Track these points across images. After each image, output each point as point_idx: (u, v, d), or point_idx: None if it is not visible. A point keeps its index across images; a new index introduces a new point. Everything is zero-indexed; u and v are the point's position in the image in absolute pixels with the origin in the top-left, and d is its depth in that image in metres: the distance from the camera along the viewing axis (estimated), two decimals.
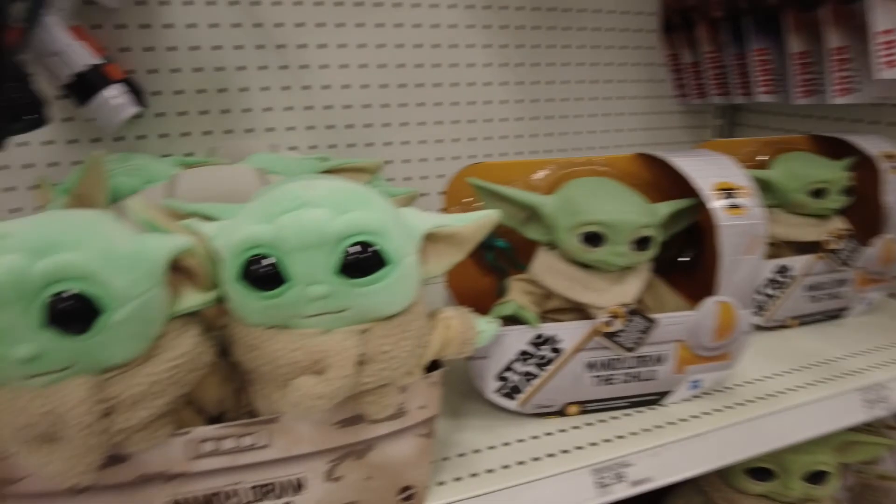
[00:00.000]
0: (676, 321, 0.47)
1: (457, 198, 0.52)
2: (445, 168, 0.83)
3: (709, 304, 0.47)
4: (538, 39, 0.83)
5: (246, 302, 0.34)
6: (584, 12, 0.84)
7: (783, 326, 0.65)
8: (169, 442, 0.34)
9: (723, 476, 0.64)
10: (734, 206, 0.46)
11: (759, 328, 0.64)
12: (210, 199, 0.45)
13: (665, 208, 0.49)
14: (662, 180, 0.53)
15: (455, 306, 0.41)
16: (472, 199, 0.52)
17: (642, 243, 0.46)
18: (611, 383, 0.49)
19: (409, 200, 0.56)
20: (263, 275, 0.33)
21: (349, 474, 0.38)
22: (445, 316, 0.40)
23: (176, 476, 0.35)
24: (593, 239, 0.46)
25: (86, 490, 0.33)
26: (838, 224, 0.64)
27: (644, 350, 0.48)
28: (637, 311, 0.46)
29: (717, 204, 0.46)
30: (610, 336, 0.46)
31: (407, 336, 0.36)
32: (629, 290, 0.47)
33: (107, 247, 0.30)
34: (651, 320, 0.47)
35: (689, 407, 0.51)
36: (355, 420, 0.37)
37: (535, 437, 0.47)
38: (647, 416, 0.50)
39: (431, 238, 0.38)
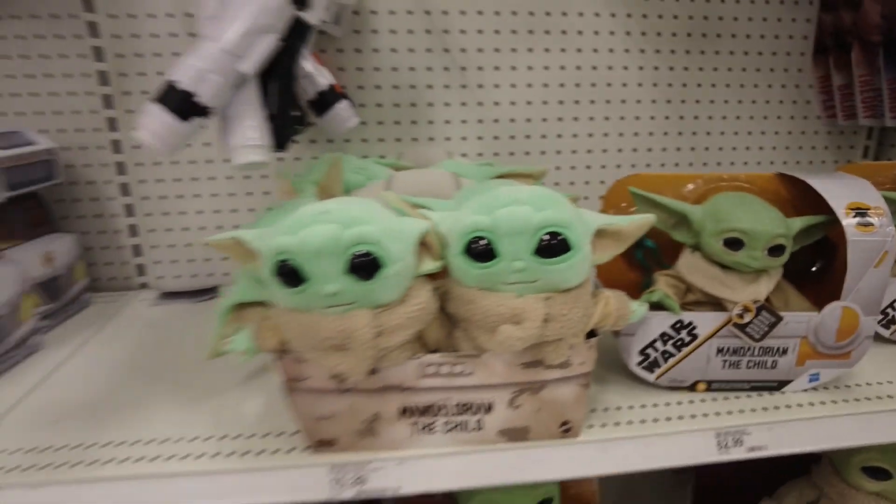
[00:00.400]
0: (801, 319, 0.55)
1: (614, 202, 0.63)
2: (596, 176, 0.93)
3: (833, 308, 0.55)
4: (688, 62, 0.91)
5: (466, 270, 0.48)
6: (736, 38, 0.91)
7: None
8: (406, 363, 0.48)
9: (838, 472, 0.70)
10: (865, 224, 0.53)
11: (886, 340, 0.69)
12: (417, 194, 0.59)
13: (799, 222, 0.57)
14: (798, 198, 0.61)
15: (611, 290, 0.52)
16: (626, 204, 0.62)
17: (776, 250, 0.55)
18: (737, 367, 0.58)
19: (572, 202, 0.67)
20: (482, 251, 0.46)
21: (525, 405, 0.51)
22: (606, 295, 0.51)
23: (407, 388, 0.49)
24: (734, 244, 0.55)
25: (347, 391, 0.49)
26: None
27: (769, 342, 0.56)
28: (766, 307, 0.55)
29: (848, 221, 0.54)
30: (740, 327, 0.55)
31: (578, 305, 0.48)
32: (761, 289, 0.56)
33: (387, 224, 0.45)
34: (778, 316, 0.55)
35: (806, 395, 0.58)
36: (535, 364, 0.49)
37: (667, 404, 0.57)
38: (767, 398, 0.58)
39: (600, 233, 0.49)
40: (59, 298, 0.79)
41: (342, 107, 0.74)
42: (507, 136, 0.90)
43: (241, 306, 0.59)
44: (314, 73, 0.72)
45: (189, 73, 0.48)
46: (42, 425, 0.55)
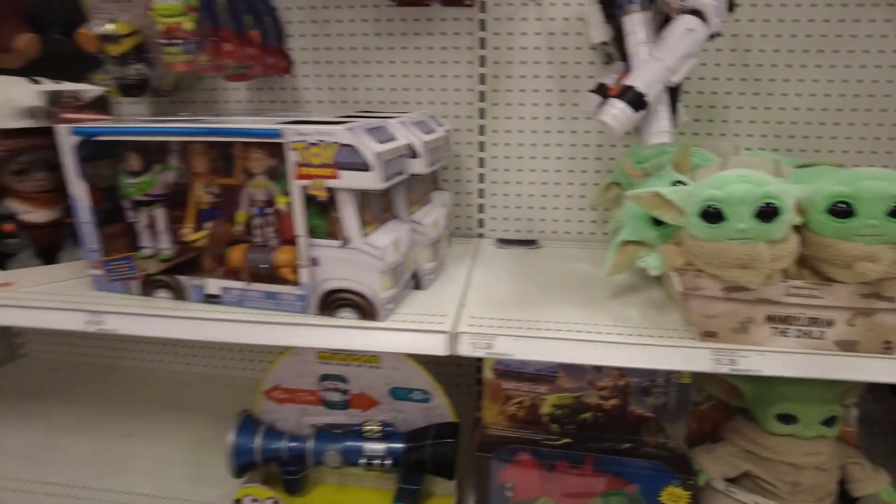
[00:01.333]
0: None
1: None
2: None
3: None
4: None
5: (826, 224, 0.69)
6: None
7: None
8: (777, 283, 0.71)
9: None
10: None
11: None
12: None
13: None
14: None
15: None
16: None
17: None
18: None
19: None
20: (842, 211, 0.67)
21: (859, 325, 0.71)
22: None
23: (775, 302, 0.72)
24: None
25: (731, 299, 0.72)
26: None
27: None
28: None
29: None
30: None
31: None
32: None
33: (781, 186, 0.68)
34: None
35: None
36: (871, 295, 0.69)
37: None
38: None
39: None
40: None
41: (680, 106, 0.97)
42: (787, 135, 1.09)
43: (627, 242, 0.85)
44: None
45: (644, 81, 0.75)
46: (495, 307, 0.84)
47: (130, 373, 1.48)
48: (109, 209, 0.92)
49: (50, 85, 0.92)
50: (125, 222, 0.93)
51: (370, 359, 0.96)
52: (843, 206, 0.68)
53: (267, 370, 1.00)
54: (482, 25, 1.10)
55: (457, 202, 1.21)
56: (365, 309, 0.79)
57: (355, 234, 0.77)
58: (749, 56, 1.06)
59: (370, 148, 0.72)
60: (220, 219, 0.90)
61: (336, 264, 0.78)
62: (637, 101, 0.75)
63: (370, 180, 0.73)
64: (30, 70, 1.02)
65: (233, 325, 0.81)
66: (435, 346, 0.76)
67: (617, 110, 0.76)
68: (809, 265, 0.73)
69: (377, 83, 1.16)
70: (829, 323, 0.72)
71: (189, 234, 0.91)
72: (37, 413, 1.30)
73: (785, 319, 0.73)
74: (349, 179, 0.74)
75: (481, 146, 1.16)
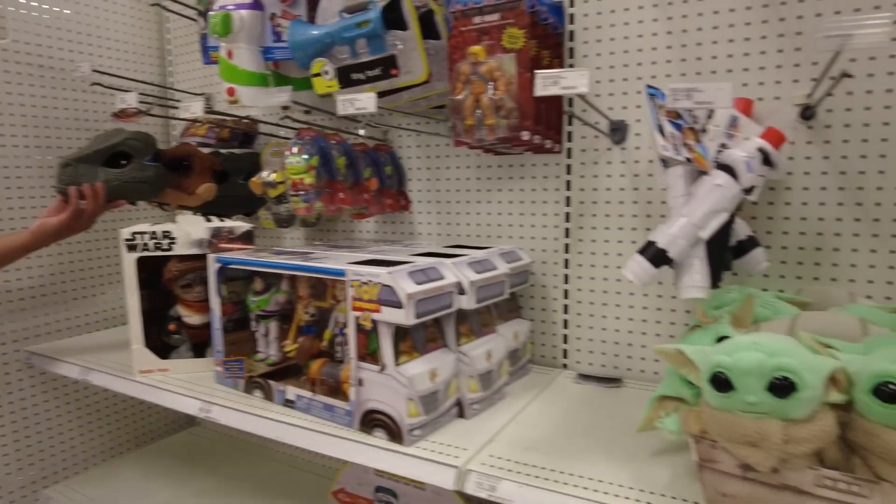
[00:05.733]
0: None
1: None
2: None
3: None
4: None
5: (873, 408, 0.59)
6: None
7: None
8: (804, 470, 0.61)
9: None
10: None
11: None
12: (823, 334, 0.71)
13: None
14: None
15: None
16: None
17: None
18: None
19: None
20: (890, 395, 0.57)
21: None
22: None
23: (802, 492, 0.62)
24: None
25: (750, 479, 0.64)
26: None
27: None
28: None
29: None
30: None
31: None
32: None
33: (804, 358, 0.61)
34: None
35: None
36: None
37: None
38: None
39: None
40: (516, 364, 1.14)
41: (757, 252, 0.91)
42: None
43: (665, 398, 0.80)
44: (737, 226, 0.90)
45: (666, 237, 0.74)
46: (520, 448, 0.85)
47: (270, 452, 1.71)
48: (239, 319, 1.16)
49: (216, 222, 1.22)
50: (250, 331, 1.16)
51: (416, 480, 1.01)
52: (893, 388, 0.58)
53: (339, 470, 1.11)
54: (568, 170, 1.16)
55: (542, 331, 1.23)
56: (393, 431, 0.86)
57: (390, 362, 0.86)
58: (866, 194, 0.94)
59: (403, 289, 0.83)
60: (310, 335, 1.07)
61: (376, 387, 0.88)
62: (657, 256, 0.74)
63: (402, 316, 0.83)
64: (218, 206, 1.36)
65: (293, 429, 0.95)
66: (445, 479, 0.80)
67: (636, 264, 0.75)
68: (863, 458, 0.62)
69: (476, 220, 1.29)
70: None
71: (287, 345, 1.10)
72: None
73: None
74: (387, 314, 0.85)
75: (566, 279, 1.19)
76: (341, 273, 0.91)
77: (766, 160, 0.73)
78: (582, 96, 0.83)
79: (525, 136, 0.98)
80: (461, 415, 0.96)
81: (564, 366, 1.22)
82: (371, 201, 1.24)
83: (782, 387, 0.60)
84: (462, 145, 1.05)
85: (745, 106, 0.86)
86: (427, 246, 1.20)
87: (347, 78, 1.03)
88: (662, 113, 0.77)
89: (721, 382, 0.64)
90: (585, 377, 1.15)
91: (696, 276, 0.75)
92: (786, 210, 1.00)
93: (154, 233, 1.19)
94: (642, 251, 0.75)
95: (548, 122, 1.08)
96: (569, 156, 1.16)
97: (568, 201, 1.17)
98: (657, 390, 0.81)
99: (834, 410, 0.62)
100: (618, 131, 1.09)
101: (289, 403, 1.02)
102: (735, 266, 0.92)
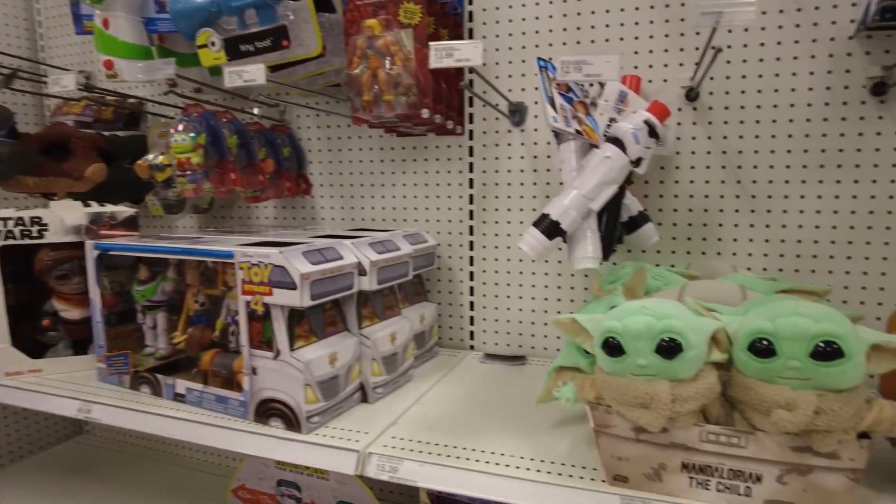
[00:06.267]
0: None
1: None
2: (882, 298, 0.96)
3: None
4: None
5: (748, 363, 0.62)
6: None
7: None
8: (691, 427, 0.64)
9: None
10: None
11: None
12: (708, 300, 0.75)
13: None
14: None
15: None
16: None
17: None
18: None
19: (854, 321, 0.75)
20: (763, 350, 0.60)
21: (793, 483, 0.61)
22: (882, 403, 0.59)
23: (690, 448, 0.64)
24: None
25: (642, 441, 0.66)
26: None
27: None
28: None
29: None
30: None
31: (850, 405, 0.58)
32: None
33: (689, 320, 0.63)
34: None
35: None
36: (804, 449, 0.60)
37: None
38: None
39: (876, 348, 0.59)
40: (423, 347, 1.12)
41: (648, 227, 0.94)
42: (794, 254, 0.99)
43: (563, 368, 0.81)
44: (628, 201, 0.93)
45: (559, 209, 0.75)
46: (423, 428, 0.84)
47: (165, 455, 1.60)
48: (124, 311, 1.07)
49: (96, 207, 1.12)
50: (137, 324, 1.07)
51: (319, 469, 0.98)
52: (765, 343, 0.61)
53: (237, 468, 1.05)
54: (470, 151, 1.16)
55: (450, 313, 1.22)
56: (291, 420, 0.82)
57: (284, 347, 0.82)
58: (741, 173, 1.00)
59: (297, 269, 0.79)
60: (201, 325, 1.01)
61: (270, 374, 0.84)
62: (551, 228, 0.75)
63: (296, 298, 0.79)
64: (100, 193, 1.25)
65: (182, 424, 0.88)
66: (346, 464, 0.77)
67: (531, 237, 0.76)
68: (741, 411, 0.65)
69: (380, 203, 1.26)
70: (757, 478, 0.63)
71: (176, 337, 1.02)
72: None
73: (703, 469, 0.64)
74: (280, 297, 0.81)
75: (471, 260, 1.19)
76: (230, 255, 0.85)
77: (652, 132, 0.75)
78: (476, 70, 0.82)
79: (425, 114, 0.96)
80: (365, 399, 0.93)
81: (472, 347, 1.22)
82: (266, 183, 1.18)
83: (669, 348, 0.62)
84: (361, 123, 1.02)
85: (635, 84, 0.89)
86: (329, 230, 1.15)
87: (236, 49, 0.97)
88: (553, 85, 0.77)
89: (613, 347, 0.65)
90: (491, 357, 1.15)
91: (588, 248, 0.77)
92: (675, 188, 1.05)
93: (20, 219, 1.07)
94: (536, 223, 0.76)
95: (449, 101, 1.07)
96: (471, 137, 1.16)
97: (471, 183, 1.17)
98: (555, 361, 0.82)
99: (716, 369, 0.65)
100: (517, 113, 1.10)
101: (179, 398, 0.95)
102: (628, 242, 0.96)
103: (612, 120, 0.80)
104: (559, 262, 1.13)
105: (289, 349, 0.82)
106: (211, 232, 1.21)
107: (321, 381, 0.83)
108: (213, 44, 0.97)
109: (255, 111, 1.19)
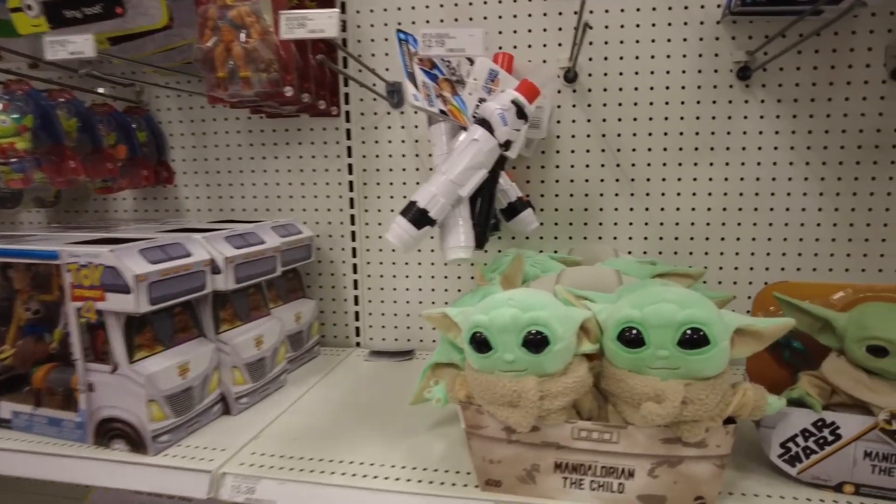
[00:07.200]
0: None
1: (763, 305, 0.70)
2: (752, 277, 0.98)
3: None
4: (859, 173, 0.93)
5: (618, 353, 0.59)
6: None
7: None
8: (563, 425, 0.60)
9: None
10: None
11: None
12: (583, 287, 0.72)
13: None
14: None
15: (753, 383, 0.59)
16: (774, 307, 0.69)
17: None
18: (890, 475, 0.60)
19: (724, 303, 0.75)
20: (632, 339, 0.57)
21: (663, 476, 0.59)
22: (745, 387, 0.59)
23: (562, 447, 0.61)
24: (878, 351, 0.59)
25: (514, 441, 0.62)
26: None
27: None
28: None
29: None
30: (889, 433, 0.58)
31: (716, 392, 0.56)
32: None
33: (556, 311, 0.59)
34: None
35: None
36: (674, 440, 0.58)
37: (808, 500, 0.61)
38: None
39: (739, 332, 0.58)
40: (300, 348, 1.04)
41: (527, 213, 0.90)
42: (672, 237, 1.00)
43: (439, 365, 0.76)
44: (507, 187, 0.89)
45: (426, 196, 0.69)
46: (288, 441, 0.76)
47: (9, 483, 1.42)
48: None
49: None
50: None
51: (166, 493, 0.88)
52: (634, 333, 0.58)
53: (86, 496, 0.93)
54: (348, 134, 1.08)
55: (333, 310, 1.15)
56: (135, 440, 0.72)
57: (122, 360, 0.71)
58: (621, 156, 1.00)
59: (131, 270, 0.69)
60: (30, 337, 0.87)
61: (109, 391, 0.73)
62: (419, 217, 0.69)
63: (131, 303, 0.69)
64: None
65: (5, 455, 0.75)
66: (197, 487, 0.68)
67: (398, 227, 0.70)
68: (613, 404, 0.63)
69: (252, 191, 1.15)
70: (630, 473, 0.60)
71: (4, 351, 0.88)
72: None
73: (577, 468, 0.61)
74: (113, 302, 0.70)
75: (354, 252, 1.12)
76: (54, 255, 0.73)
77: (521, 113, 0.71)
78: (335, 43, 0.74)
79: (289, 92, 0.87)
80: (227, 411, 0.84)
81: (358, 344, 1.15)
82: (118, 172, 1.04)
83: (536, 342, 0.58)
84: (217, 102, 0.91)
85: (508, 62, 0.84)
86: (191, 223, 1.04)
87: (59, 15, 0.83)
88: (416, 61, 0.71)
89: (480, 343, 0.60)
90: (377, 353, 1.09)
91: (460, 237, 0.72)
92: (556, 173, 1.02)
93: None
94: (404, 212, 0.70)
95: (320, 79, 0.98)
96: (347, 119, 1.08)
97: (350, 169, 1.09)
98: (430, 358, 0.77)
99: (587, 360, 0.62)
100: (395, 93, 1.03)
101: (4, 423, 0.81)
102: (509, 228, 0.92)
103: (482, 100, 0.75)
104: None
105: (127, 361, 0.71)
106: (55, 228, 1.06)
107: (169, 396, 0.73)
108: (29, 7, 0.83)
109: (100, 90, 1.05)
